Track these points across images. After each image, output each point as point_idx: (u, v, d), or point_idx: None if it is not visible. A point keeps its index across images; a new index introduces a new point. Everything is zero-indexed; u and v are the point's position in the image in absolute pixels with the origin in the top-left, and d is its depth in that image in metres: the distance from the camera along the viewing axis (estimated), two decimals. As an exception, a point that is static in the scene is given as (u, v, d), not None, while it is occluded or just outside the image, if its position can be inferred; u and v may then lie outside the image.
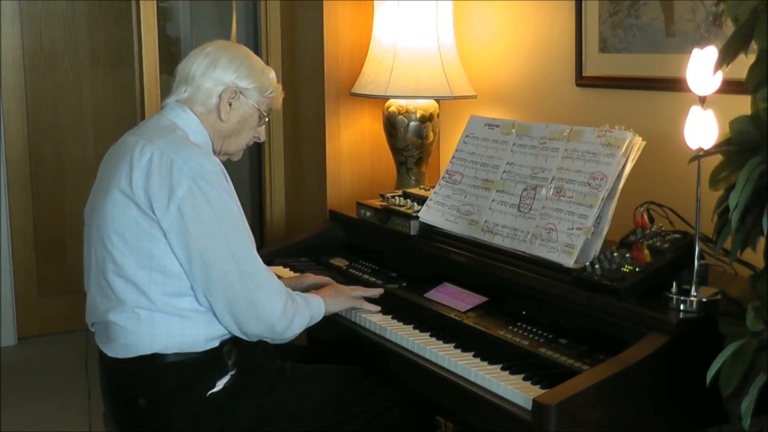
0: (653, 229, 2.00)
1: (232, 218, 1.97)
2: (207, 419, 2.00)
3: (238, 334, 2.02)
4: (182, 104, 2.10)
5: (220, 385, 2.00)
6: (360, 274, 2.53)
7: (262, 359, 2.09)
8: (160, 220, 1.93)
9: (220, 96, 2.10)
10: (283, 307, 2.01)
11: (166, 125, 2.07)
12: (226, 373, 2.01)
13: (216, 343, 2.01)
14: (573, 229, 2.02)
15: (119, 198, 1.97)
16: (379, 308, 2.27)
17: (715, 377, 1.51)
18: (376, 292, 2.32)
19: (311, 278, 2.39)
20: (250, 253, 1.99)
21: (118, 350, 2.00)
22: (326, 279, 2.39)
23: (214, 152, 2.13)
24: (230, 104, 2.11)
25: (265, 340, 2.06)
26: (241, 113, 2.14)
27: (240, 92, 2.11)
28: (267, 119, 2.21)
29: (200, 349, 1.99)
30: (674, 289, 1.82)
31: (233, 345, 2.03)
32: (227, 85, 2.10)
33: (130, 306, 1.97)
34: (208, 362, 2.00)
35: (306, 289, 2.27)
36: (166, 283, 1.96)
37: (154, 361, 1.97)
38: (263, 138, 2.25)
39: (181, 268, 1.96)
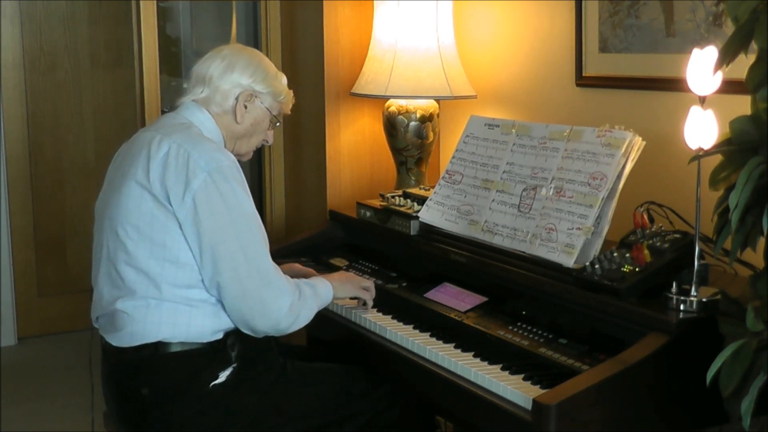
0: (653, 229, 2.00)
1: (244, 214, 2.00)
2: (209, 412, 2.01)
3: (244, 329, 2.03)
4: (198, 104, 2.14)
5: (222, 376, 2.02)
6: (360, 274, 2.52)
7: (265, 355, 2.10)
8: (176, 211, 1.96)
9: (237, 98, 2.14)
10: (290, 305, 2.02)
11: (181, 122, 2.11)
12: (229, 365, 2.03)
13: (220, 335, 2.03)
14: (573, 229, 2.02)
15: (135, 189, 2.00)
16: (374, 309, 2.28)
17: (715, 377, 1.51)
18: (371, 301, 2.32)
19: (297, 268, 2.41)
20: (260, 250, 2.01)
21: (123, 339, 2.02)
22: (311, 272, 2.39)
23: None
24: (245, 107, 2.15)
25: (269, 335, 2.07)
26: (255, 116, 2.18)
27: (255, 96, 2.16)
28: (278, 123, 2.25)
29: (205, 340, 2.01)
30: (674, 289, 1.82)
31: (237, 338, 2.04)
32: (244, 88, 2.14)
33: (141, 295, 1.99)
34: (211, 353, 2.01)
35: (293, 277, 2.28)
36: (178, 274, 1.98)
37: (157, 350, 1.99)
38: (271, 141, 2.30)
39: (194, 259, 1.98)
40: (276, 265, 2.06)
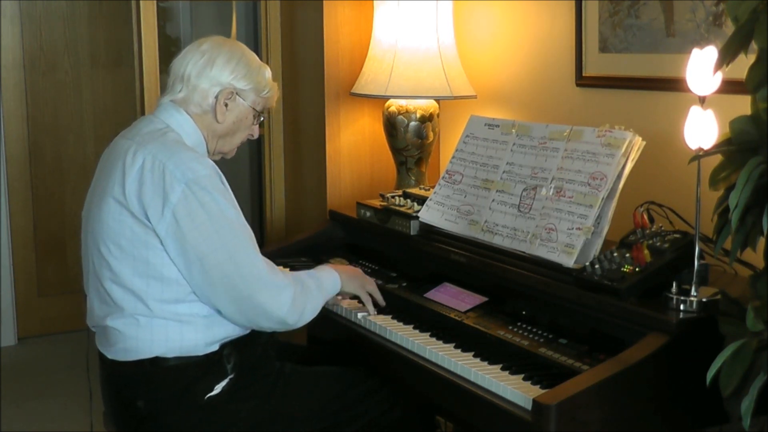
0: (653, 229, 2.00)
1: (228, 221, 1.95)
2: (205, 423, 1.99)
3: (254, 328, 2.02)
4: (177, 104, 2.07)
5: (218, 388, 1.99)
6: (360, 274, 2.52)
7: (262, 362, 2.09)
8: (155, 227, 1.92)
9: (216, 97, 2.07)
10: (291, 302, 1.99)
11: (158, 128, 2.03)
12: (225, 377, 2.01)
13: (216, 347, 2.01)
14: (573, 229, 2.02)
15: (113, 206, 1.95)
16: (375, 311, 2.26)
17: (715, 377, 1.51)
18: (381, 303, 2.30)
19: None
20: (249, 254, 1.97)
21: (117, 354, 2.00)
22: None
23: (209, 152, 2.12)
24: (226, 105, 2.09)
25: (278, 331, 2.06)
26: (237, 114, 2.11)
27: (236, 93, 2.09)
28: (262, 118, 2.19)
29: (200, 353, 1.99)
30: (674, 289, 1.82)
31: (233, 348, 2.03)
32: (224, 86, 2.07)
33: (129, 312, 1.96)
34: (207, 366, 1.99)
35: None
36: (164, 290, 1.95)
37: (153, 364, 1.97)
38: (257, 135, 2.22)
39: (180, 274, 1.95)
40: (270, 262, 2.02)
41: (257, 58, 2.16)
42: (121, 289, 1.96)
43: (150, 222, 1.92)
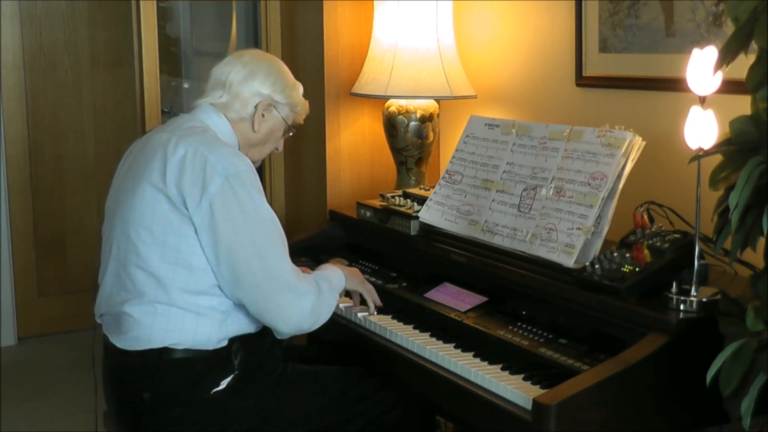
0: (653, 229, 2.00)
1: (260, 219, 1.99)
2: (209, 417, 2.01)
3: (273, 330, 2.05)
4: (216, 108, 2.13)
5: (224, 383, 2.01)
6: (360, 274, 2.52)
7: (266, 361, 2.10)
8: (192, 215, 1.96)
9: (256, 107, 2.14)
10: (311, 308, 2.02)
11: (197, 125, 2.10)
12: (231, 372, 2.02)
13: (225, 343, 2.03)
14: (573, 229, 2.02)
15: (150, 192, 1.99)
16: (375, 311, 2.28)
17: (715, 377, 1.51)
18: (378, 303, 2.32)
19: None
20: (278, 255, 2.00)
21: (128, 342, 2.01)
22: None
23: None
24: (263, 115, 2.16)
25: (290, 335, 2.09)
26: (271, 125, 2.18)
27: (273, 105, 2.16)
28: (291, 133, 2.25)
29: (211, 348, 2.00)
30: (674, 289, 1.82)
31: (241, 344, 2.04)
32: (263, 98, 2.14)
33: (149, 299, 1.98)
34: (215, 361, 2.01)
35: None
36: (190, 279, 1.97)
37: (161, 355, 1.98)
38: (281, 149, 2.30)
39: (208, 264, 1.98)
40: (296, 268, 2.05)
41: (291, 74, 2.23)
42: (145, 274, 1.99)
43: (188, 210, 1.96)
